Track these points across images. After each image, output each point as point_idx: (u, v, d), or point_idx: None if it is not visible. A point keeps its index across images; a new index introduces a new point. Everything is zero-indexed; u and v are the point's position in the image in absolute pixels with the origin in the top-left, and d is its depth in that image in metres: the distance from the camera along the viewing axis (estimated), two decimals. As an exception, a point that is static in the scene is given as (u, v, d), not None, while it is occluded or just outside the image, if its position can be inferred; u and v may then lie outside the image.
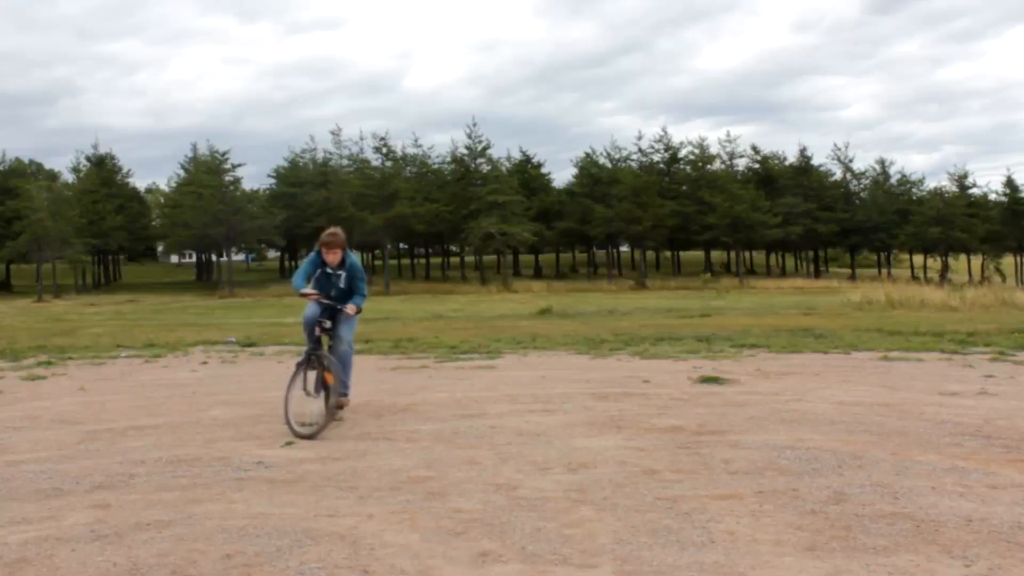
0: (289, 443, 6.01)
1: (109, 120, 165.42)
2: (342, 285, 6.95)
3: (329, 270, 6.92)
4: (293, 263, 76.27)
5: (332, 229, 6.97)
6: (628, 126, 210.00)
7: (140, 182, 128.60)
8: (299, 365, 6.79)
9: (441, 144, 70.51)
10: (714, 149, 69.32)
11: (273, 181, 68.17)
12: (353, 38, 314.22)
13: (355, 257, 7.01)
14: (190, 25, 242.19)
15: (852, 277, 63.33)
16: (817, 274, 68.72)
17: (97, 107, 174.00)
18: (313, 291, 6.85)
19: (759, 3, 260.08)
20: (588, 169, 67.16)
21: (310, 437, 6.14)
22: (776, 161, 69.77)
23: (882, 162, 70.77)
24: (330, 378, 6.56)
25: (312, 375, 6.72)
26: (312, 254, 7.04)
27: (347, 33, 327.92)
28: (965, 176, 66.82)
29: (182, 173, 66.51)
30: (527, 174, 67.56)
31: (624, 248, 73.97)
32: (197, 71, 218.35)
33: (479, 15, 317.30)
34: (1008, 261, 68.12)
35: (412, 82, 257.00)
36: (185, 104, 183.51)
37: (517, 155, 70.90)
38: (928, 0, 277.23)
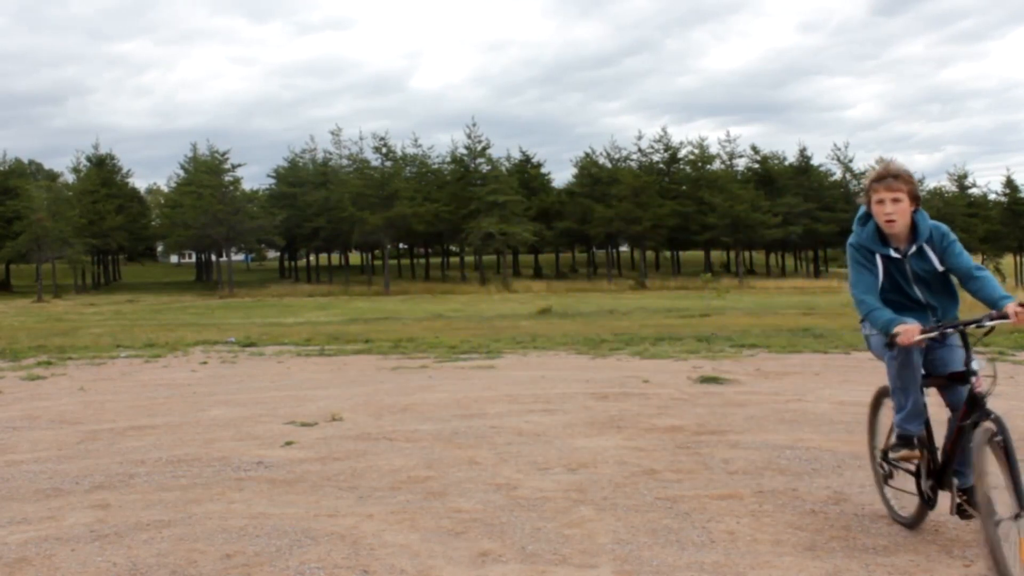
0: (289, 443, 6.01)
1: (116, 120, 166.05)
2: (934, 274, 3.66)
3: (894, 253, 3.67)
4: (293, 263, 76.16)
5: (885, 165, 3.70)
6: (633, 126, 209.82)
7: (146, 182, 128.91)
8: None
9: (446, 144, 70.53)
10: (714, 149, 69.44)
11: (273, 181, 68.20)
12: (362, 38, 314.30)
13: (933, 220, 3.69)
14: (200, 25, 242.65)
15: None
16: (817, 274, 68.77)
17: (104, 107, 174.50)
18: (919, 327, 3.39)
19: (766, 4, 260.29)
20: (588, 169, 67.19)
21: None
22: (776, 161, 69.82)
23: (881, 162, 70.83)
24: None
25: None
26: (858, 230, 3.80)
27: (357, 33, 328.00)
28: (965, 176, 66.99)
29: (182, 173, 66.56)
30: (527, 174, 67.58)
31: (624, 248, 74.01)
32: (205, 71, 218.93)
33: (488, 15, 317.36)
34: (1008, 261, 68.13)
35: (419, 82, 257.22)
36: (193, 104, 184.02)
37: (517, 155, 70.99)
38: (934, 1, 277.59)
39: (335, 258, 78.07)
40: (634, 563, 3.51)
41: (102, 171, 64.70)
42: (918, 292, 3.70)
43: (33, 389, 9.30)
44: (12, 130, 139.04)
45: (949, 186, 67.42)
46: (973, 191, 66.94)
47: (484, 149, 62.47)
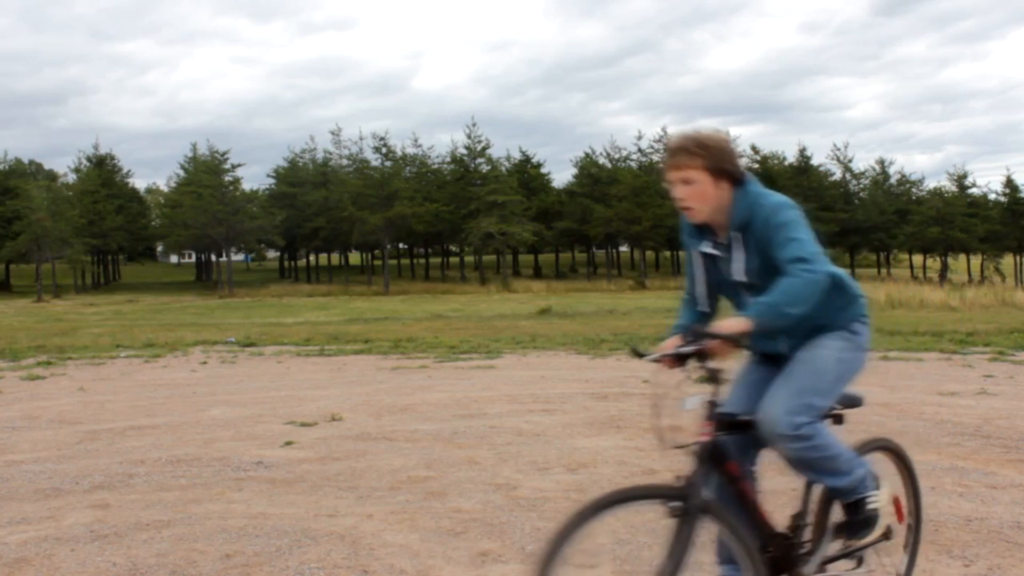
0: (289, 443, 6.01)
1: (119, 120, 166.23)
2: (747, 274, 2.62)
3: (710, 248, 2.69)
4: (293, 263, 76.16)
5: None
6: (634, 126, 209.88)
7: (146, 182, 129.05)
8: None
9: (448, 144, 70.46)
10: (714, 149, 69.36)
11: (272, 181, 68.21)
12: (365, 38, 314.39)
13: (769, 194, 2.56)
14: (203, 25, 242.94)
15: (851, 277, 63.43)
16: (817, 274, 68.73)
17: (107, 107, 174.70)
18: (676, 342, 2.66)
19: (767, 4, 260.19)
20: (588, 169, 67.24)
21: None
22: (776, 161, 69.86)
23: (881, 162, 70.93)
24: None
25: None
26: (682, 218, 2.70)
27: (359, 33, 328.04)
28: (965, 176, 66.98)
29: (182, 173, 66.56)
30: (526, 174, 67.59)
31: (624, 248, 74.01)
32: (208, 71, 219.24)
33: (490, 16, 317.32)
34: (1008, 261, 68.14)
35: (421, 82, 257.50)
36: (195, 104, 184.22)
37: (517, 155, 70.99)
38: (935, 2, 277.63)
39: (335, 258, 78.10)
40: (634, 563, 3.51)
41: (102, 171, 64.70)
42: (747, 298, 2.63)
43: (33, 389, 9.30)
44: (15, 130, 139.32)
45: (949, 186, 67.45)
46: (973, 191, 66.94)
47: (484, 149, 62.48)
